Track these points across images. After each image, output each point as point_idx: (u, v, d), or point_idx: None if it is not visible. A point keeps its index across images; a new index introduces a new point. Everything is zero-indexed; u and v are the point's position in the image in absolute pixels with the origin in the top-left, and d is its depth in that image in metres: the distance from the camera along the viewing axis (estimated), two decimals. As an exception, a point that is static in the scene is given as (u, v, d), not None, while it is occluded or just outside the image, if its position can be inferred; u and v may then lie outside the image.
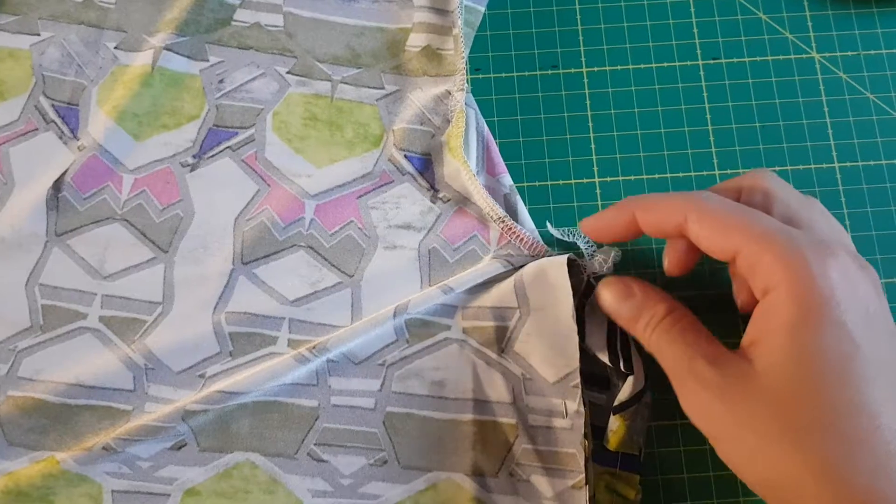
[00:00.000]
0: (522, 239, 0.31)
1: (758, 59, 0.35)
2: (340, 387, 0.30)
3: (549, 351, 0.29)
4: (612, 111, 0.34)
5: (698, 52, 0.35)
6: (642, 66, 0.35)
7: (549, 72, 0.35)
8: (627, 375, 0.29)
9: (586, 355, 0.29)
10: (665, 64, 0.35)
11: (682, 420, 0.25)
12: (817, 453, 0.22)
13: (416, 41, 0.34)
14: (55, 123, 0.33)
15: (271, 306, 0.31)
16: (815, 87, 0.35)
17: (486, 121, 0.34)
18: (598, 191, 0.34)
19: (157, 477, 0.29)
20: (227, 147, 0.33)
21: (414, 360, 0.30)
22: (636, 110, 0.34)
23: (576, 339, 0.28)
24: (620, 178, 0.34)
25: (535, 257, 0.30)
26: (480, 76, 0.35)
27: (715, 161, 0.34)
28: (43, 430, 0.30)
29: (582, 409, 0.28)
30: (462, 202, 0.32)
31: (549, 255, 0.30)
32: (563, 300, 0.28)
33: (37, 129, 0.33)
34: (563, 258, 0.29)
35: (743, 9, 0.36)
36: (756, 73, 0.35)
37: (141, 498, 0.29)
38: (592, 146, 0.34)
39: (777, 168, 0.34)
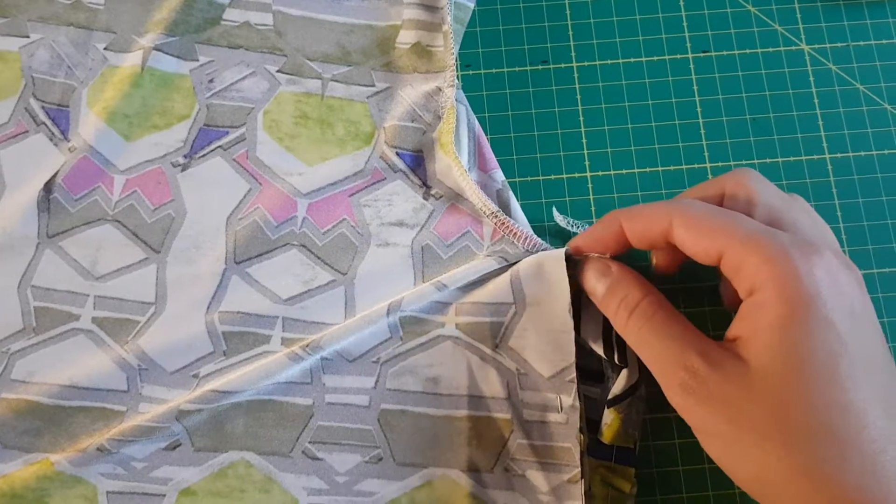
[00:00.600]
0: (516, 234, 0.31)
1: (747, 51, 0.35)
2: (335, 384, 0.30)
3: (545, 346, 0.29)
4: (603, 105, 0.34)
5: (688, 45, 0.35)
6: (632, 60, 0.35)
7: (540, 67, 0.35)
8: (622, 368, 0.29)
9: (581, 348, 0.29)
10: (655, 58, 0.35)
11: (677, 413, 0.25)
12: (808, 453, 0.22)
13: (405, 38, 0.34)
14: (45, 125, 0.33)
15: (264, 305, 0.31)
16: (805, 79, 0.35)
17: (477, 117, 0.34)
18: (589, 185, 0.34)
19: (151, 477, 0.29)
20: (219, 146, 0.33)
21: (408, 356, 0.30)
22: (627, 104, 0.34)
23: (572, 334, 0.28)
24: (612, 173, 0.34)
25: (529, 252, 0.30)
26: (471, 72, 0.35)
27: (706, 154, 0.34)
28: (37, 432, 0.30)
29: (577, 403, 0.28)
30: (454, 198, 0.32)
31: (544, 249, 0.30)
32: (561, 294, 0.28)
33: (27, 132, 0.33)
34: (561, 252, 0.29)
35: (732, 1, 0.36)
36: (746, 66, 0.35)
37: (136, 499, 0.29)
38: (584, 141, 0.34)
39: (768, 160, 0.34)
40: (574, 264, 0.29)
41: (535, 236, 0.31)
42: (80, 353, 0.31)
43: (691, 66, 0.35)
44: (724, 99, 0.34)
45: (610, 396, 0.29)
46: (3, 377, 0.30)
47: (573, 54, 0.35)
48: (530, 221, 0.32)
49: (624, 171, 0.34)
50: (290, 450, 0.30)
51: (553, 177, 0.34)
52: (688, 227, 0.25)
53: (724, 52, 0.35)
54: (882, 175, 0.34)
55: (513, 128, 0.34)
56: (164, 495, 0.29)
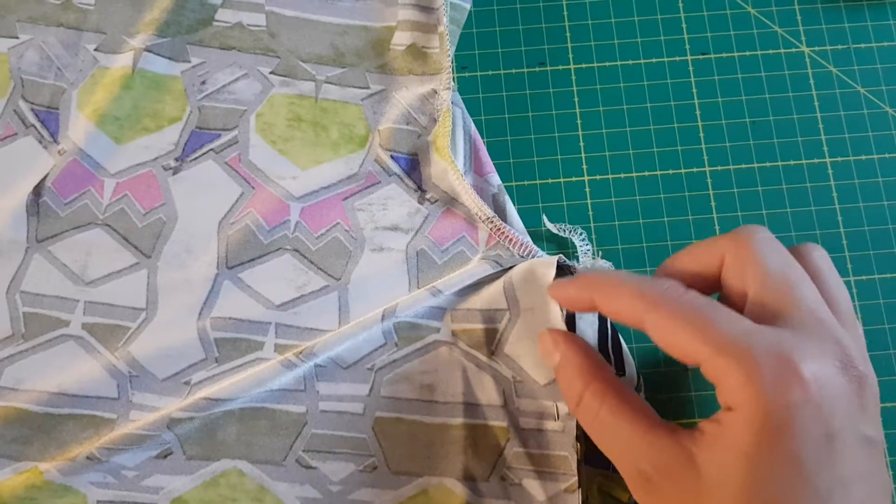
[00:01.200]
0: (511, 239, 0.30)
1: (747, 53, 0.35)
2: (328, 392, 0.30)
3: (539, 353, 0.29)
4: (601, 108, 0.34)
5: (687, 47, 0.35)
6: (630, 62, 0.35)
7: (537, 69, 0.35)
8: (620, 376, 0.28)
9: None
10: (653, 60, 0.35)
11: (675, 421, 0.24)
12: None
13: (401, 39, 0.34)
14: (35, 128, 0.33)
15: (257, 311, 0.31)
16: (805, 82, 0.34)
17: (473, 119, 0.33)
18: (587, 189, 0.33)
19: (142, 486, 0.29)
20: (210, 149, 0.33)
21: (403, 363, 0.30)
22: (625, 107, 0.34)
23: None
24: (610, 176, 0.33)
25: (524, 258, 0.30)
26: (467, 74, 0.35)
27: (705, 157, 0.33)
28: (26, 440, 0.29)
29: None
30: (450, 203, 0.32)
31: (538, 256, 0.30)
32: (553, 301, 0.28)
33: (16, 134, 0.33)
34: (553, 259, 0.28)
35: (731, 3, 0.35)
36: (745, 68, 0.34)
37: (127, 508, 0.29)
38: (581, 144, 0.34)
39: (767, 164, 0.33)
40: (567, 271, 0.28)
41: (530, 242, 0.30)
42: (69, 359, 0.30)
43: (690, 68, 0.34)
44: (723, 102, 0.34)
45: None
46: (-9, 384, 0.30)
47: (571, 56, 0.35)
48: (527, 226, 0.32)
49: (622, 175, 0.33)
50: (284, 458, 0.29)
51: (550, 180, 0.33)
52: (661, 330, 0.23)
53: (724, 55, 0.35)
54: (883, 179, 0.33)
55: (509, 131, 0.34)
56: (155, 505, 0.29)
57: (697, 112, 0.34)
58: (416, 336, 0.30)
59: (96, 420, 0.30)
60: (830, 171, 0.33)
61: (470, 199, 0.31)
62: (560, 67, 0.35)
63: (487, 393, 0.29)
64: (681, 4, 0.35)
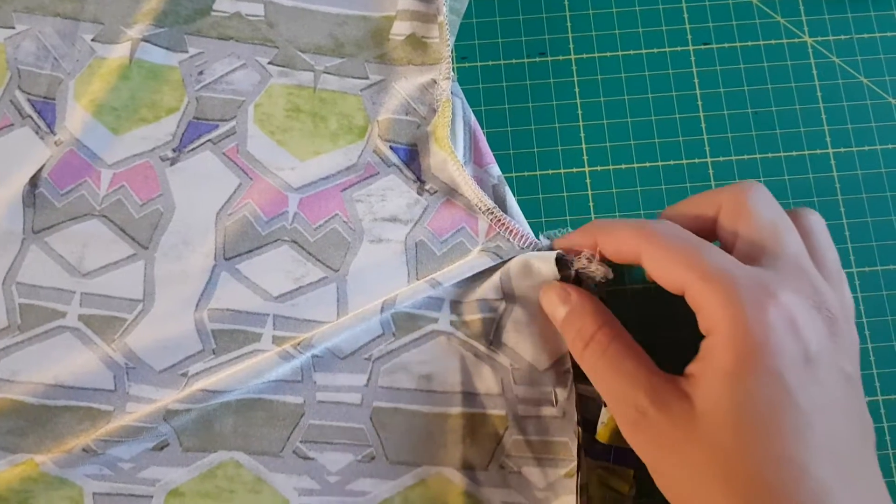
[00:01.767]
0: (512, 230, 0.30)
1: (749, 43, 0.34)
2: (326, 382, 0.30)
3: (538, 338, 0.29)
4: (602, 99, 0.34)
5: (689, 37, 0.34)
6: (632, 52, 0.34)
7: (537, 59, 0.34)
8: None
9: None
10: (655, 50, 0.34)
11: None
12: (744, 502, 0.22)
13: (400, 29, 0.33)
14: (31, 118, 0.32)
15: (255, 302, 0.30)
16: (808, 72, 0.34)
17: (473, 110, 0.33)
18: (587, 180, 0.33)
19: (139, 478, 0.29)
20: (208, 140, 0.32)
21: (401, 353, 0.30)
22: (626, 97, 0.34)
23: None
24: (611, 167, 0.33)
25: (524, 249, 0.30)
26: (467, 65, 0.34)
27: (707, 148, 0.33)
28: (21, 432, 0.29)
29: (573, 394, 0.28)
30: (449, 193, 0.31)
31: (539, 248, 0.29)
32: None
33: (12, 125, 0.32)
34: (552, 254, 0.28)
35: (734, -8, 0.35)
36: (748, 59, 0.34)
37: (123, 500, 0.29)
38: (582, 135, 0.33)
39: (770, 155, 0.33)
40: (564, 266, 0.28)
41: (530, 233, 0.30)
42: (66, 351, 0.30)
43: (692, 58, 0.34)
44: (725, 92, 0.34)
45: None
46: (-13, 376, 0.30)
47: (571, 46, 0.34)
48: (527, 217, 0.31)
49: (623, 166, 0.33)
50: (281, 449, 0.29)
51: (550, 172, 0.33)
52: (654, 258, 0.24)
53: (726, 45, 0.34)
54: (886, 170, 0.33)
55: (509, 121, 0.34)
56: (152, 496, 0.29)
57: (699, 102, 0.34)
58: (414, 326, 0.30)
59: (93, 412, 0.29)
60: (833, 162, 0.33)
61: (470, 189, 0.30)
62: (561, 57, 0.34)
63: (485, 382, 0.29)
64: (682, -6, 0.35)
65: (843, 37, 0.34)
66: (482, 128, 0.33)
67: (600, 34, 0.34)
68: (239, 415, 0.29)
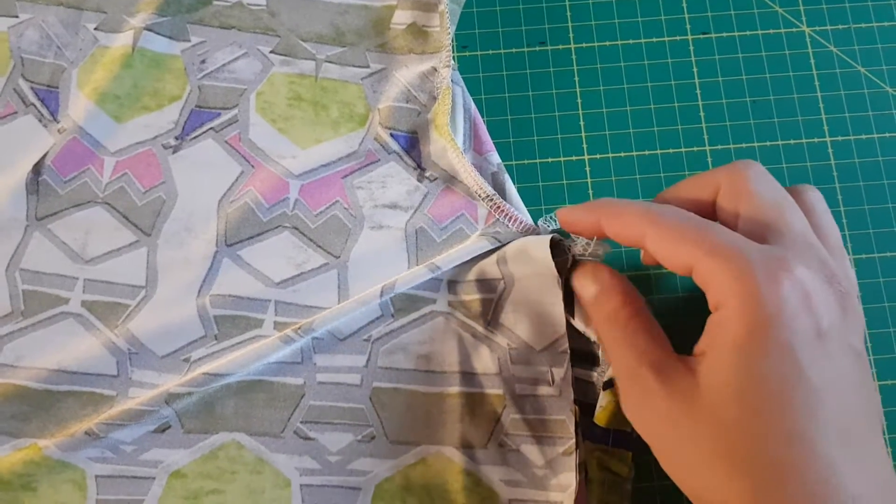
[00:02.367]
0: (511, 217, 0.30)
1: (747, 33, 0.35)
2: (326, 364, 0.30)
3: (535, 319, 0.29)
4: (601, 87, 0.34)
5: (687, 26, 0.35)
6: (631, 41, 0.35)
7: (537, 48, 0.35)
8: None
9: (575, 332, 0.29)
10: (654, 39, 0.35)
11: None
12: (749, 479, 0.21)
13: (401, 18, 0.34)
14: (35, 106, 0.33)
15: (256, 288, 0.31)
16: (806, 62, 0.34)
17: (473, 98, 0.33)
18: (587, 168, 0.33)
19: (141, 460, 0.29)
20: (210, 128, 0.33)
21: (400, 334, 0.30)
22: (625, 86, 0.34)
23: (561, 305, 0.28)
24: (610, 155, 0.33)
25: (523, 235, 0.30)
26: (467, 53, 0.35)
27: (706, 137, 0.33)
28: (25, 417, 0.29)
29: (569, 374, 0.28)
30: (449, 181, 0.32)
31: (536, 234, 0.30)
32: (547, 269, 0.28)
33: (16, 113, 0.33)
34: (547, 237, 0.28)
35: (732, -18, 0.35)
36: (746, 48, 0.34)
37: (125, 482, 0.29)
38: (581, 123, 0.34)
39: (768, 143, 0.33)
40: (561, 250, 0.28)
41: (529, 220, 0.30)
42: (69, 337, 0.30)
43: (691, 47, 0.34)
44: (723, 81, 0.34)
45: (606, 378, 0.28)
46: (-9, 361, 0.30)
47: (571, 36, 0.35)
48: (527, 205, 0.32)
49: (622, 154, 0.33)
50: (282, 430, 0.29)
51: (550, 160, 0.33)
52: (659, 239, 0.24)
53: (724, 34, 0.35)
54: (883, 158, 0.33)
55: (509, 110, 0.34)
56: (154, 478, 0.29)
57: (698, 91, 0.34)
58: (413, 307, 0.30)
59: (95, 397, 0.30)
60: (831, 151, 0.33)
61: (469, 176, 0.31)
62: (560, 47, 0.35)
63: (483, 362, 0.30)
64: (681, -16, 0.35)
65: (840, 26, 0.35)
66: (482, 116, 0.33)
67: (600, 23, 0.35)
68: (240, 396, 0.29)
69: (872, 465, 0.22)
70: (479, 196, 0.31)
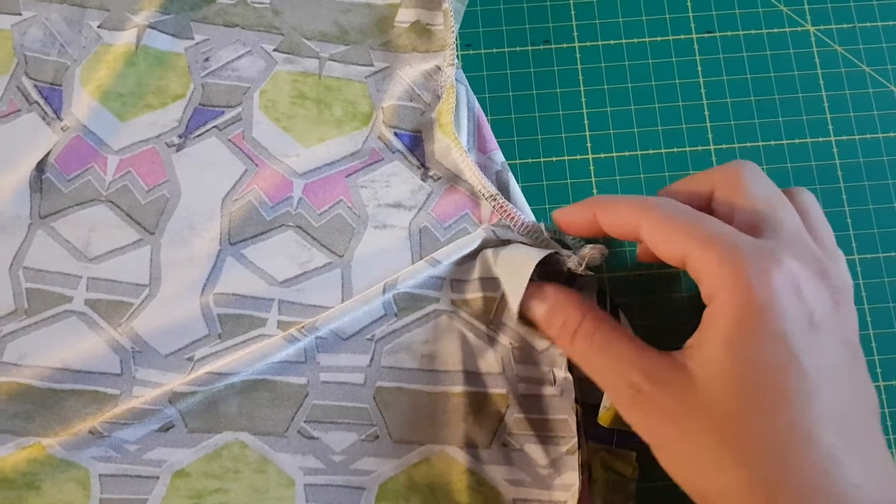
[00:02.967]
0: (514, 218, 0.30)
1: (752, 32, 0.34)
2: (329, 363, 0.30)
3: None
4: (606, 86, 0.34)
5: (692, 25, 0.35)
6: (635, 40, 0.34)
7: (541, 47, 0.34)
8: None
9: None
10: (658, 38, 0.34)
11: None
12: (748, 470, 0.21)
13: (404, 16, 0.34)
14: (38, 104, 0.33)
15: (260, 287, 0.31)
16: (811, 61, 0.34)
17: (477, 97, 0.33)
18: (591, 167, 0.33)
19: (145, 459, 0.29)
20: (214, 126, 0.32)
21: (403, 333, 0.30)
22: (629, 85, 0.34)
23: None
24: (614, 155, 0.33)
25: (525, 236, 0.30)
26: (471, 52, 0.34)
27: (710, 136, 0.33)
28: (28, 415, 0.29)
29: (570, 375, 0.28)
30: (453, 180, 0.32)
31: (538, 235, 0.29)
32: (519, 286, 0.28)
33: (19, 111, 0.33)
34: (538, 257, 0.28)
35: (737, -19, 0.35)
36: (750, 47, 0.34)
37: (129, 481, 0.29)
38: (585, 122, 0.34)
39: (772, 142, 0.33)
40: (556, 264, 0.28)
41: (533, 220, 0.30)
42: (72, 335, 0.30)
43: (695, 46, 0.34)
44: (728, 80, 0.34)
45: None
46: (-6, 359, 0.30)
47: (575, 34, 0.35)
48: (531, 204, 0.32)
49: (626, 154, 0.33)
50: (286, 429, 0.29)
51: (554, 159, 0.33)
52: (653, 231, 0.24)
53: (729, 33, 0.34)
54: (888, 158, 0.33)
55: (513, 109, 0.34)
56: (158, 477, 0.29)
57: (702, 90, 0.34)
58: (416, 306, 0.30)
59: (99, 396, 0.30)
60: (835, 150, 0.33)
61: (473, 176, 0.31)
62: (564, 45, 0.34)
63: (487, 361, 0.30)
64: (686, -18, 0.35)
65: (845, 25, 0.35)
66: (486, 115, 0.33)
67: (604, 22, 0.35)
68: (243, 396, 0.29)
69: (871, 456, 0.22)
70: (483, 196, 0.31)
